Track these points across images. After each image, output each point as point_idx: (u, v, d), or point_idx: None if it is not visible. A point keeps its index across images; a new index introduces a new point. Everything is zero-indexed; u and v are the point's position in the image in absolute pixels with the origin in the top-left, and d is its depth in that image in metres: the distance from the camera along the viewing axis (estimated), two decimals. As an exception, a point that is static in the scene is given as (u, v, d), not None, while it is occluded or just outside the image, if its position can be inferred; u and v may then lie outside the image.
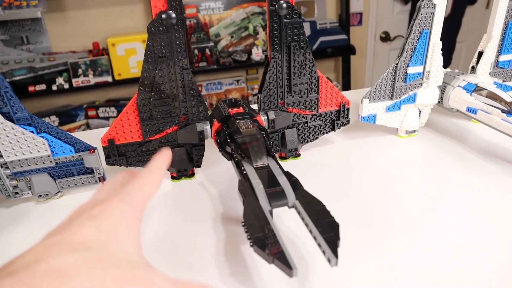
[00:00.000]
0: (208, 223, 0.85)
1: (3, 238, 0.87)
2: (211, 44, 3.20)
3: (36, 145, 0.92)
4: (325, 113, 1.13)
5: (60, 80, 3.01)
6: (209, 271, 0.70)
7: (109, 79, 3.06)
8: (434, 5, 1.05)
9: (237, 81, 3.47)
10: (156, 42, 0.90)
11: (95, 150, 0.97)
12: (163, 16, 0.87)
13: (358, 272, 0.67)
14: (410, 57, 1.11)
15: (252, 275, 0.68)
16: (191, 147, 1.02)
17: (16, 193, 0.98)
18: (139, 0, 3.22)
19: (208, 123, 0.99)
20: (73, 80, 3.02)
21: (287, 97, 1.06)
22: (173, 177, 1.03)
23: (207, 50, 3.19)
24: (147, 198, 0.44)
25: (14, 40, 3.05)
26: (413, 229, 0.78)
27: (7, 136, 0.90)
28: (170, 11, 0.87)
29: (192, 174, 1.05)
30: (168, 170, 1.02)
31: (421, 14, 1.06)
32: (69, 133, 0.95)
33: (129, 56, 3.02)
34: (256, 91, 3.44)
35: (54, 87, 3.00)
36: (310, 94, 1.08)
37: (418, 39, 1.09)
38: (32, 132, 0.91)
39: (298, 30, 0.99)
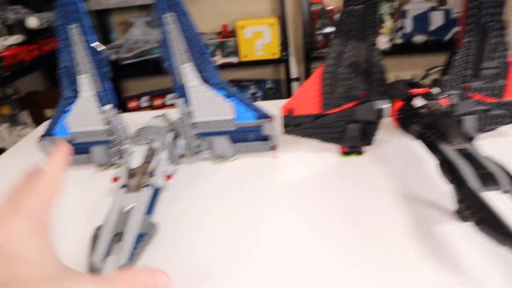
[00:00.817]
0: (386, 200, 0.84)
1: (185, 191, 0.97)
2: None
3: (224, 109, 1.00)
4: (510, 102, 1.03)
5: (191, 59, 3.25)
6: (404, 249, 0.70)
7: (235, 60, 3.21)
8: None
9: (358, 69, 3.39)
10: (350, 17, 0.90)
11: (274, 119, 1.02)
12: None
13: None
14: None
15: (451, 256, 0.66)
16: (365, 124, 1.01)
17: (198, 152, 1.08)
18: (267, -16, 3.30)
19: (388, 101, 0.97)
20: (203, 60, 3.24)
21: (472, 82, 0.99)
22: (344, 153, 1.04)
23: (332, 36, 3.15)
24: (48, 203, 0.42)
25: (154, 21, 3.37)
26: None
27: (203, 98, 0.99)
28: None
29: (361, 152, 1.04)
30: (340, 144, 1.03)
31: None
32: (252, 100, 1.01)
33: (256, 39, 3.13)
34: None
35: (186, 65, 3.25)
36: (497, 80, 1.00)
37: None
38: (223, 96, 0.99)
39: (497, 9, 0.91)
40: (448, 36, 3.22)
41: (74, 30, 0.93)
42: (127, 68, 3.21)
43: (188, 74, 0.95)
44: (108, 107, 1.02)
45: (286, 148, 1.12)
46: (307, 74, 3.29)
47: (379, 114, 0.97)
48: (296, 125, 1.03)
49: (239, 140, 1.07)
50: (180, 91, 0.99)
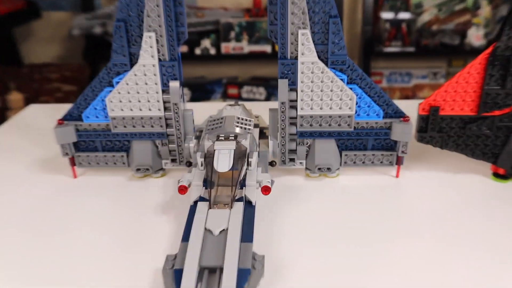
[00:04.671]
0: None
1: (277, 212, 0.94)
2: (411, 17, 3.18)
3: (342, 99, 0.97)
4: None
5: (206, 43, 3.25)
6: None
7: (268, 49, 3.21)
8: None
9: (435, 74, 3.39)
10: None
11: (409, 120, 0.99)
12: None
13: None
14: None
15: None
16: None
17: (291, 160, 1.04)
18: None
19: None
20: (222, 45, 3.23)
21: None
22: (497, 175, 1.03)
23: (404, 25, 3.17)
24: None
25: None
26: None
27: (317, 81, 0.96)
28: None
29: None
30: (493, 163, 1.01)
31: None
32: (381, 89, 0.98)
33: (300, 22, 3.14)
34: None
35: (198, 51, 3.24)
36: None
37: None
38: (343, 80, 0.96)
39: None
40: None
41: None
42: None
43: (305, 44, 0.92)
44: (173, 84, 0.98)
45: (412, 164, 1.09)
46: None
47: None
48: (437, 131, 1.00)
49: (352, 147, 1.04)
50: (286, 67, 0.95)
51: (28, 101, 2.91)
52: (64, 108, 1.06)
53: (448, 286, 0.73)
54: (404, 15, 3.23)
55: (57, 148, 1.07)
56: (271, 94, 3.37)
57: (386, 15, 3.24)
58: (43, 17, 3.41)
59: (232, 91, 3.46)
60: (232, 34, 3.25)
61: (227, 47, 3.25)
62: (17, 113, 1.54)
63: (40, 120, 1.44)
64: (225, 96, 3.48)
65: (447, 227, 0.88)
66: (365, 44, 3.27)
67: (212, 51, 3.26)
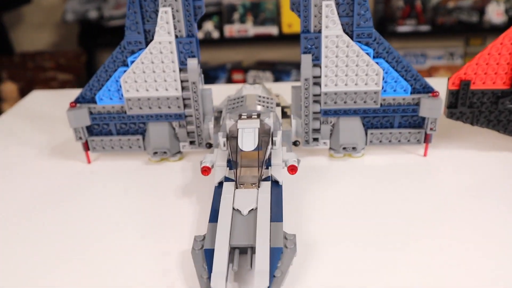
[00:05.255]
0: None
1: (303, 193, 0.95)
2: (425, -6, 3.19)
3: (368, 74, 0.98)
4: None
5: (208, 26, 3.25)
6: None
7: (274, 31, 3.22)
8: None
9: (451, 54, 3.39)
10: None
11: (439, 95, 1.00)
12: None
13: None
14: None
15: None
16: None
17: (315, 139, 1.06)
18: None
19: None
20: (226, 28, 3.24)
21: None
22: None
23: (418, 2, 3.17)
24: None
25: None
26: None
27: (341, 56, 0.97)
28: None
29: None
30: None
31: None
32: (409, 63, 0.99)
33: (308, 1, 3.14)
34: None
35: (200, 35, 3.25)
36: None
37: None
38: (368, 54, 0.97)
39: None
40: None
41: None
42: (113, 33, 3.20)
43: (329, 16, 0.93)
44: (192, 61, 0.99)
45: (440, 142, 1.11)
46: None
47: None
48: (468, 106, 1.01)
49: (378, 125, 1.05)
50: (309, 42, 0.97)
51: (22, 92, 2.92)
52: (68, 94, 1.07)
53: (481, 264, 0.75)
54: (419, -9, 3.23)
55: (66, 134, 1.09)
56: (278, 79, 3.38)
57: (399, -8, 3.24)
58: (33, 1, 3.40)
59: (237, 76, 3.47)
60: (236, 16, 3.25)
61: (231, 29, 3.25)
62: (20, 100, 1.55)
63: (45, 106, 1.46)
64: (230, 82, 3.48)
65: (479, 207, 0.89)
66: (377, 23, 3.27)
67: (215, 34, 3.26)
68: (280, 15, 3.22)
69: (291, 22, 3.20)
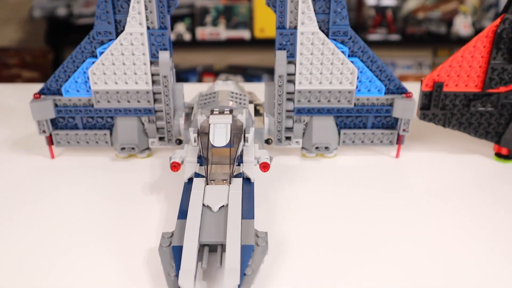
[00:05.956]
0: None
1: (274, 193, 0.94)
2: (396, 3, 3.22)
3: (342, 73, 0.97)
4: None
5: (180, 28, 3.22)
6: None
7: (246, 35, 3.20)
8: None
9: (420, 64, 3.44)
10: None
11: (412, 96, 1.00)
12: None
13: None
14: None
15: None
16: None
17: (287, 138, 1.04)
18: None
19: None
20: (198, 30, 3.21)
21: None
22: (500, 155, 1.05)
23: (389, 12, 3.21)
24: None
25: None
26: None
27: (316, 53, 0.96)
28: None
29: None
30: (497, 142, 1.03)
31: None
32: (383, 63, 0.99)
33: (281, 6, 3.15)
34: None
35: (171, 36, 3.20)
36: None
37: None
38: (344, 53, 0.96)
39: None
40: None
41: None
42: (82, 32, 3.13)
43: (305, 12, 0.92)
44: (163, 54, 0.97)
45: (412, 144, 1.11)
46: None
47: None
48: (440, 108, 1.01)
49: (351, 125, 1.04)
50: (284, 38, 0.95)
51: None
52: (33, 88, 1.02)
53: (448, 264, 0.74)
54: (389, 1, 3.26)
55: (28, 129, 1.04)
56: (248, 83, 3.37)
57: (371, 0, 3.27)
58: (-1, -4, 3.32)
59: (208, 80, 3.44)
60: (209, 18, 3.23)
61: (203, 32, 3.22)
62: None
63: (5, 99, 1.41)
64: (200, 85, 3.46)
65: (447, 208, 0.89)
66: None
67: (187, 36, 3.23)
68: (253, 20, 3.21)
69: (263, 27, 3.19)
